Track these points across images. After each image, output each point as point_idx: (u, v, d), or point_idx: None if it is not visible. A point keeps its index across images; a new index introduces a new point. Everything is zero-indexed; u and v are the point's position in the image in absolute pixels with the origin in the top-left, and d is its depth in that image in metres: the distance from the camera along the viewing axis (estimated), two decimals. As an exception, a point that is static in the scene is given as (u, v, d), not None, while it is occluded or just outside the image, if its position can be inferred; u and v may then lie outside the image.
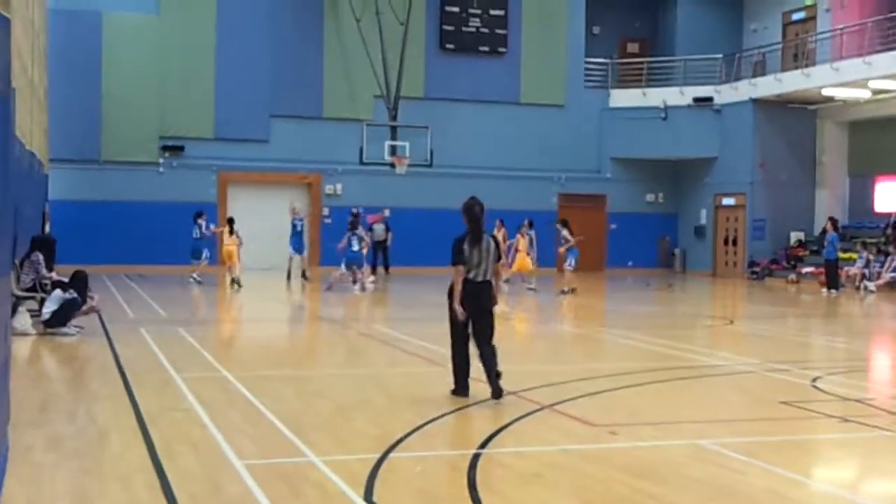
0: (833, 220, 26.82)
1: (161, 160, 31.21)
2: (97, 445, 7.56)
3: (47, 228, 23.71)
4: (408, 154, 31.49)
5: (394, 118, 32.19)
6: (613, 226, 35.01)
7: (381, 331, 16.33)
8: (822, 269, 27.22)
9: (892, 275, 27.33)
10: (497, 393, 9.30)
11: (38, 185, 22.66)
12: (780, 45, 33.36)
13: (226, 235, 25.46)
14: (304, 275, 27.65)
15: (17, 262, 14.68)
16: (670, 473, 7.01)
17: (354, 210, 26.73)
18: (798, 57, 32.10)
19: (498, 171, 33.21)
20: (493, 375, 9.33)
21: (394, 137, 31.93)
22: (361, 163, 31.63)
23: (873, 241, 29.56)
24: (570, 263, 24.58)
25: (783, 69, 32.12)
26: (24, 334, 13.86)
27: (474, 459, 7.13)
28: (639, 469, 7.02)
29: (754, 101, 32.45)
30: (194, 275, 25.74)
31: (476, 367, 9.53)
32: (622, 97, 35.05)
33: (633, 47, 36.93)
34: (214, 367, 11.79)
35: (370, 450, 7.33)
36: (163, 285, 24.72)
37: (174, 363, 11.61)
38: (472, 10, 33.68)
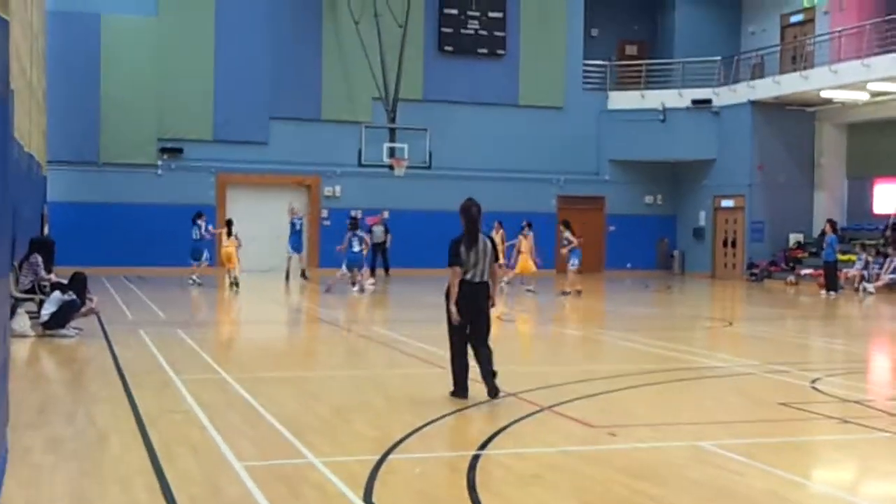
0: (832, 222, 26.84)
1: (160, 162, 31.20)
2: (96, 447, 7.55)
3: (46, 230, 23.70)
4: (406, 156, 31.52)
5: (392, 120, 32.21)
6: (612, 228, 35.05)
7: (379, 332, 16.32)
8: (821, 271, 27.24)
9: (891, 276, 27.35)
10: (493, 392, 9.35)
11: (37, 186, 22.65)
12: (779, 48, 33.39)
13: (224, 237, 25.48)
14: (303, 274, 27.67)
15: (15, 263, 14.67)
16: (670, 475, 7.01)
17: (353, 213, 26.78)
18: (796, 59, 32.12)
19: (497, 173, 33.22)
20: (489, 375, 9.38)
21: (392, 139, 31.97)
22: (360, 165, 31.66)
23: (872, 242, 29.59)
24: (573, 264, 24.54)
25: (781, 71, 32.14)
26: (23, 336, 13.86)
27: (474, 461, 7.13)
28: (638, 470, 7.03)
29: (753, 103, 32.46)
30: (194, 276, 25.75)
31: (474, 368, 9.55)
32: (621, 99, 35.06)
33: (631, 49, 36.95)
34: (214, 368, 11.79)
35: (370, 451, 7.33)
36: (162, 287, 24.71)
37: (173, 365, 11.60)
38: (470, 13, 33.68)
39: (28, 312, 14.75)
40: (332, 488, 6.41)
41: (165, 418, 8.56)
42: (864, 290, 26.94)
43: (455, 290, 9.38)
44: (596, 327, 18.50)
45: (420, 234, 30.84)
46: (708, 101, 33.86)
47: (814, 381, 11.13)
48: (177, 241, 27.74)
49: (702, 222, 34.96)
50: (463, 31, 33.67)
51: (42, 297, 14.75)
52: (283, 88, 31.83)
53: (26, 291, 14.98)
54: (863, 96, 29.74)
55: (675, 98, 34.17)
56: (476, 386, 9.53)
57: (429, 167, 31.89)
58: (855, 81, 28.68)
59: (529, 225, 26.04)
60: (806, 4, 32.85)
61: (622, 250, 35.00)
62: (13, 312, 13.71)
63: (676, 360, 13.20)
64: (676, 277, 34.45)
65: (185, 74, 31.07)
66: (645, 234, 35.47)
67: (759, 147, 32.65)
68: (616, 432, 8.23)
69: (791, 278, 30.66)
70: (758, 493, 6.50)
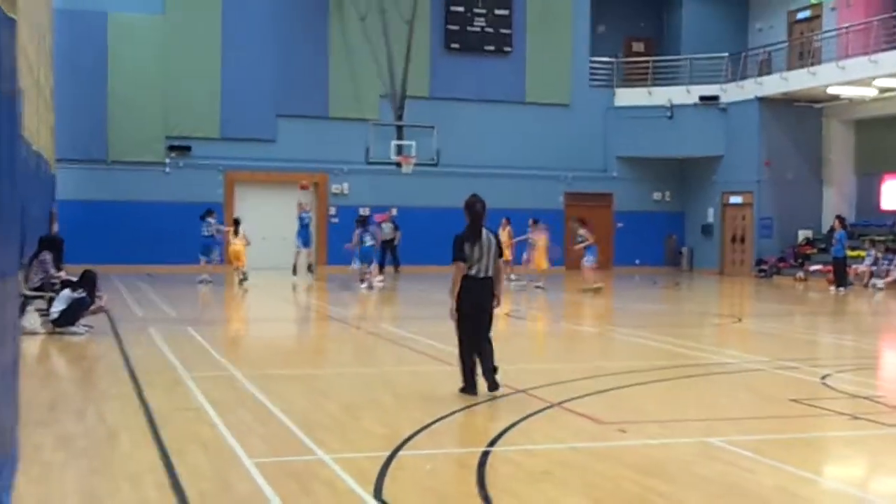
0: (841, 219, 26.80)
1: (168, 160, 31.26)
2: (106, 445, 7.57)
3: (55, 228, 23.75)
4: (414, 153, 31.52)
5: (399, 118, 32.20)
6: (620, 224, 35.01)
7: (388, 329, 16.34)
8: (830, 267, 27.18)
9: (900, 273, 27.29)
10: (493, 386, 9.44)
11: (45, 185, 22.71)
12: (786, 44, 33.32)
13: (231, 235, 25.52)
14: (310, 268, 27.72)
15: (25, 261, 14.71)
16: (679, 471, 7.00)
17: (362, 212, 26.83)
18: (804, 55, 32.03)
19: (504, 170, 33.20)
20: (489, 371, 9.46)
21: (400, 137, 31.98)
22: (368, 162, 31.67)
23: (881, 238, 29.52)
24: (588, 261, 24.42)
25: (789, 68, 32.08)
26: (33, 334, 13.90)
27: (483, 457, 7.14)
28: (648, 467, 7.02)
29: (760, 99, 32.40)
30: (204, 275, 25.75)
31: (477, 364, 9.58)
32: (628, 96, 35.02)
33: (638, 46, 36.90)
34: (223, 366, 11.81)
35: (379, 448, 7.33)
36: (171, 285, 24.76)
37: (183, 362, 11.62)
38: (477, 10, 33.67)
39: (38, 310, 14.80)
40: (341, 485, 6.41)
41: (176, 416, 8.58)
42: (874, 286, 26.88)
43: (457, 285, 9.43)
44: (605, 324, 18.48)
45: (428, 231, 30.82)
46: (715, 98, 33.81)
47: (824, 378, 11.11)
48: (185, 239, 27.82)
49: (710, 219, 34.91)
50: (469, 28, 33.66)
51: (52, 294, 14.79)
52: (291, 86, 31.86)
53: (36, 289, 15.02)
54: (870, 92, 29.66)
55: (683, 95, 34.11)
56: (480, 381, 9.55)
57: (436, 164, 31.89)
58: (862, 77, 28.61)
59: (535, 221, 26.02)
60: (813, 1, 32.78)
61: (630, 247, 34.97)
62: (23, 310, 13.76)
63: (685, 356, 13.19)
64: (685, 274, 34.41)
65: (193, 72, 31.12)
66: (653, 230, 35.44)
67: (766, 143, 32.59)
68: (626, 429, 8.23)
69: (800, 274, 30.60)
70: (767, 489, 6.48)
